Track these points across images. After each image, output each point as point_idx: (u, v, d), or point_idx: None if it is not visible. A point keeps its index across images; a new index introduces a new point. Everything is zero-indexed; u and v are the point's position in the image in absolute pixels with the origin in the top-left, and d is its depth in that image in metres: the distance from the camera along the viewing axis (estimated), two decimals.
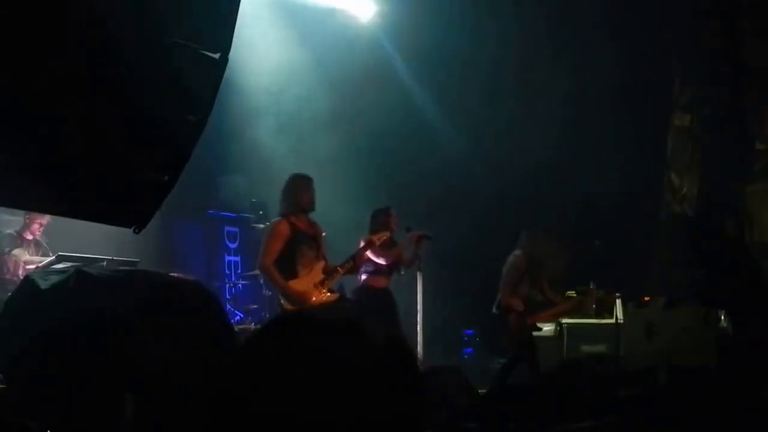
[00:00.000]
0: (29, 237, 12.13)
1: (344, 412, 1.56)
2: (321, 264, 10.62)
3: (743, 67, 15.57)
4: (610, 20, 15.95)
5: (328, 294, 10.48)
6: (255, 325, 12.48)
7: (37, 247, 12.17)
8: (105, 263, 10.55)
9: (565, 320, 14.53)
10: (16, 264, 11.71)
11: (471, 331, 16.40)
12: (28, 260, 11.76)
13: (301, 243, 10.55)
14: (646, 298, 14.96)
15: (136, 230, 6.08)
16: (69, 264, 10.36)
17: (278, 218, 10.68)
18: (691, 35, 16.00)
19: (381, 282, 12.06)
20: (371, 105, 15.80)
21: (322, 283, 10.49)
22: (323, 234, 10.92)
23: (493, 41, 15.75)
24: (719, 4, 16.00)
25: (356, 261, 11.02)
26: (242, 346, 1.72)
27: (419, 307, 12.15)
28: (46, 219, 11.98)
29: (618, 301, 13.72)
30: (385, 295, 12.02)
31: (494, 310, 13.29)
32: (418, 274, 12.24)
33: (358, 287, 12.02)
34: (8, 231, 12.16)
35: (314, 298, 10.30)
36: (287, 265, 10.46)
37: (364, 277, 11.99)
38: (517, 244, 13.69)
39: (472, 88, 16.06)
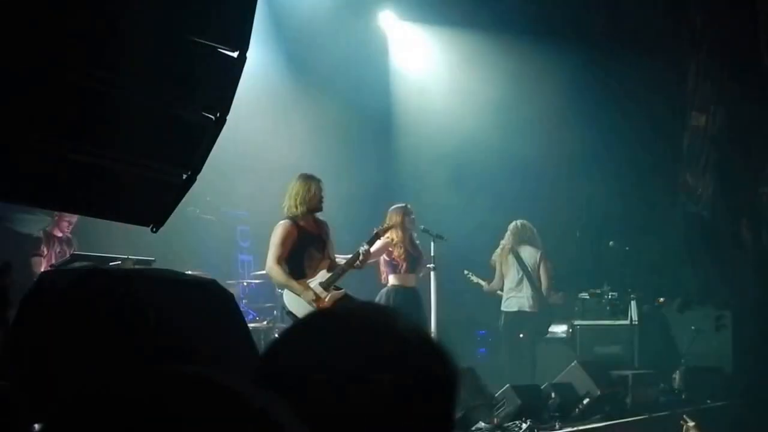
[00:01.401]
0: (59, 234, 12.21)
1: (380, 406, 1.55)
2: (326, 263, 10.60)
3: (760, 66, 15.52)
4: (624, 18, 15.94)
5: (335, 291, 10.42)
6: (268, 323, 12.51)
7: (68, 245, 12.22)
8: (120, 262, 10.53)
9: (578, 321, 14.51)
10: (39, 266, 11.75)
11: (484, 332, 16.34)
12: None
13: (308, 245, 10.53)
14: (661, 300, 14.94)
15: (154, 229, 6.08)
16: (84, 263, 10.36)
17: (285, 220, 10.62)
18: (708, 33, 15.94)
19: (408, 281, 12.15)
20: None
21: (328, 283, 10.45)
22: (329, 231, 10.91)
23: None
24: (737, 2, 15.97)
25: (360, 258, 10.98)
26: (275, 341, 1.71)
27: (433, 306, 12.16)
28: (75, 217, 12.01)
29: (633, 303, 13.70)
30: (412, 295, 12.14)
31: None
32: (432, 273, 12.25)
33: (386, 287, 12.14)
34: (36, 234, 12.22)
35: (322, 297, 10.28)
36: (295, 266, 10.44)
37: (391, 277, 12.04)
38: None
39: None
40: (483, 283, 14.74)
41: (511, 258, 14.37)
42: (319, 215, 10.77)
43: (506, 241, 14.47)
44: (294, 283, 10.35)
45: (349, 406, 1.54)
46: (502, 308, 14.44)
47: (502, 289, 14.50)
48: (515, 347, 14.46)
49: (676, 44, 16.22)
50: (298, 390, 1.55)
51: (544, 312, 14.47)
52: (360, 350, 1.60)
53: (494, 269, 14.65)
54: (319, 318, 1.77)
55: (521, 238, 14.42)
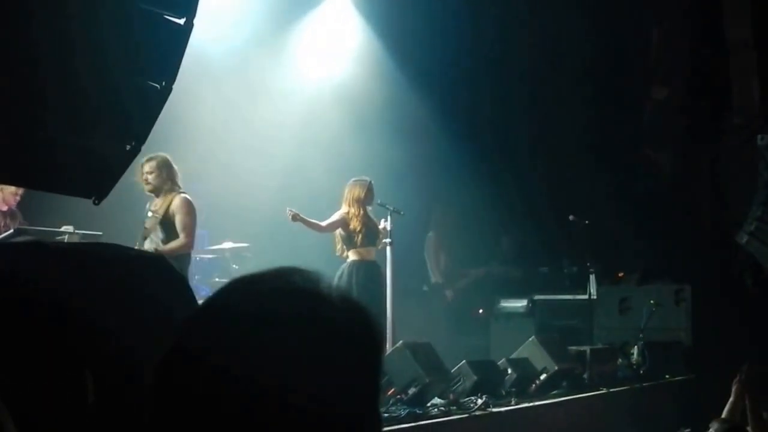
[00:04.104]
0: (4, 208, 11.91)
1: (294, 376, 1.49)
2: None
3: (722, 40, 15.47)
4: None
5: None
6: None
7: (12, 218, 11.94)
8: (66, 237, 10.31)
9: (537, 296, 14.48)
10: None
11: None
12: None
13: None
14: (620, 274, 14.92)
15: (96, 201, 5.89)
16: (28, 237, 10.14)
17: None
18: (670, 6, 15.89)
19: (368, 255, 12.21)
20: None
21: None
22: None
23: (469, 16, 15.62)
24: None
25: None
26: (196, 309, 1.64)
27: (388, 281, 12.04)
28: (20, 189, 11.75)
29: (591, 277, 13.64)
30: (375, 269, 12.18)
31: None
32: (388, 248, 12.14)
33: (348, 262, 12.16)
34: None
35: None
36: None
37: (351, 252, 11.99)
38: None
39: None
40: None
41: None
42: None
43: None
44: None
45: (261, 372, 1.49)
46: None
47: None
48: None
49: (638, 14, 16.14)
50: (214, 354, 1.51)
51: None
52: (272, 315, 1.54)
53: None
54: (239, 283, 1.65)
55: None
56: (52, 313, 5.34)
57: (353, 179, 12.35)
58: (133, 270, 5.79)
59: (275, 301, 1.56)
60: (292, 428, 1.47)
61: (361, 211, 12.09)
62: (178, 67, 5.84)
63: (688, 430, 10.50)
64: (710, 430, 7.77)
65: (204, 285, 12.72)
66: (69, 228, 10.59)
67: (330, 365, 1.52)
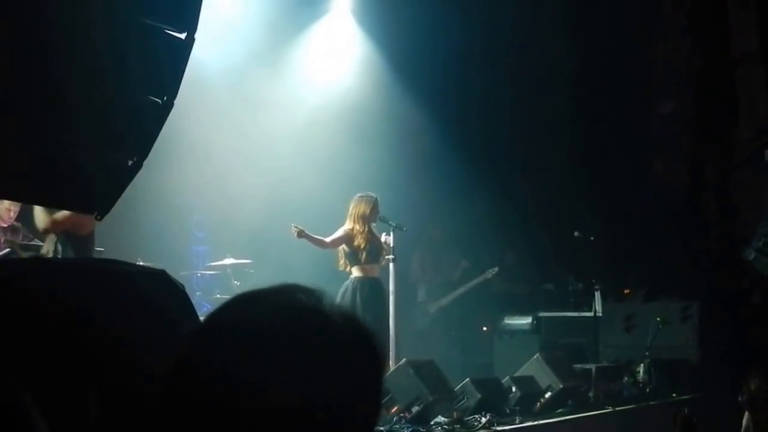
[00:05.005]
0: (3, 225, 11.85)
1: (296, 391, 1.53)
2: None
3: (730, 53, 15.43)
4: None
5: None
6: None
7: (14, 233, 11.87)
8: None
9: (541, 313, 14.39)
10: None
11: None
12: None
13: None
14: (626, 291, 14.82)
15: (98, 216, 5.85)
16: (30, 253, 10.11)
17: None
18: (676, 18, 15.86)
19: (372, 272, 12.10)
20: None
21: None
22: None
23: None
24: None
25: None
26: (202, 322, 1.70)
27: (391, 298, 11.98)
28: (18, 204, 11.68)
29: (597, 294, 13.55)
30: (378, 286, 12.06)
31: None
32: (391, 265, 12.06)
33: (351, 279, 12.06)
34: None
35: None
36: None
37: (354, 268, 11.93)
38: None
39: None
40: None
41: None
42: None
43: None
44: None
45: (263, 383, 1.54)
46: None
47: None
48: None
49: (645, 26, 16.12)
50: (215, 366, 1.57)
51: None
52: (274, 329, 1.59)
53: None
54: (243, 298, 1.70)
55: None
56: (54, 328, 5.29)
57: (359, 195, 12.21)
58: (137, 284, 5.77)
59: (279, 317, 1.59)
60: None
61: (366, 228, 11.98)
62: (179, 83, 5.80)
63: None
64: None
65: (205, 301, 12.65)
66: None
67: (332, 382, 1.55)
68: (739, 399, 8.64)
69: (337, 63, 15.94)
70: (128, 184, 5.87)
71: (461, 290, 15.47)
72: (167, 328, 5.61)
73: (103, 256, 10.05)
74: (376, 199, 12.17)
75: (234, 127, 14.57)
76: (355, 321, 1.65)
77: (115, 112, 5.72)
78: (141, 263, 9.98)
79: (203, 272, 13.77)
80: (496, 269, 15.28)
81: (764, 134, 14.99)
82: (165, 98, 5.74)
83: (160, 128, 5.78)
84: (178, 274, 12.03)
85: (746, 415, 8.58)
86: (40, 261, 5.82)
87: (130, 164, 5.78)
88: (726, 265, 15.03)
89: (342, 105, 15.37)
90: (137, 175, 5.94)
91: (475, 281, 15.39)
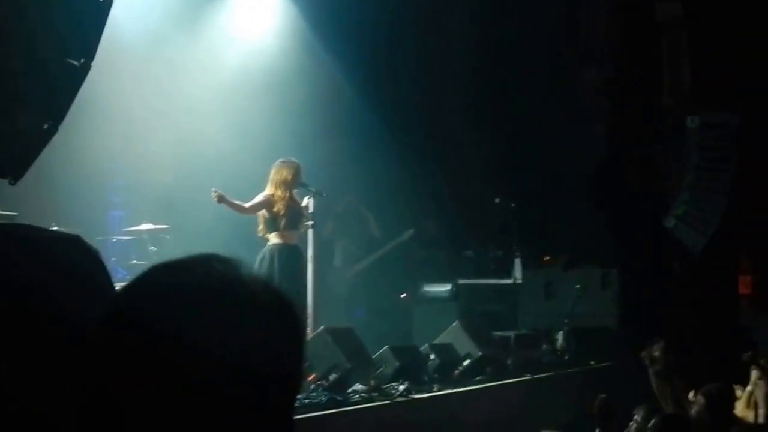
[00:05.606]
0: None
1: (217, 360, 1.51)
2: None
3: (652, 21, 15.50)
4: None
5: None
6: None
7: None
8: None
9: (462, 280, 14.40)
10: None
11: None
12: None
13: None
14: (546, 258, 14.87)
15: (12, 181, 5.72)
16: None
17: None
18: None
19: (291, 238, 11.94)
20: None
21: None
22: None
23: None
24: None
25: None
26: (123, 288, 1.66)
27: (310, 265, 11.91)
28: None
29: (517, 261, 13.59)
30: (297, 253, 11.95)
31: None
32: (310, 231, 11.98)
33: (269, 245, 11.85)
34: None
35: None
36: None
37: (272, 234, 11.77)
38: None
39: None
40: None
41: None
42: None
43: None
44: None
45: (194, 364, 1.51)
46: None
47: None
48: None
49: None
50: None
51: None
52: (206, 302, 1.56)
53: None
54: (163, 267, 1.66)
55: None
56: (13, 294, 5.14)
57: (280, 160, 11.96)
58: (60, 249, 5.63)
59: (196, 288, 1.57)
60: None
61: (287, 194, 11.74)
62: (97, 45, 5.68)
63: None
64: (635, 416, 7.78)
65: (121, 267, 12.45)
66: None
67: (254, 351, 1.53)
68: (652, 367, 8.75)
69: (257, 24, 15.77)
70: (43, 147, 5.75)
71: (377, 254, 15.44)
72: (101, 290, 5.51)
73: (16, 221, 9.85)
74: (298, 165, 11.94)
75: (153, 90, 14.35)
76: (273, 289, 1.63)
77: (31, 74, 5.58)
78: (55, 228, 9.81)
79: (119, 238, 13.53)
80: (411, 231, 15.28)
81: (687, 101, 15.11)
82: (82, 61, 5.63)
83: (77, 91, 5.67)
84: (94, 240, 11.85)
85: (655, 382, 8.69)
86: None
87: (45, 128, 5.66)
88: (647, 233, 15.14)
89: (263, 67, 15.23)
90: (53, 138, 5.82)
91: (390, 245, 15.37)
